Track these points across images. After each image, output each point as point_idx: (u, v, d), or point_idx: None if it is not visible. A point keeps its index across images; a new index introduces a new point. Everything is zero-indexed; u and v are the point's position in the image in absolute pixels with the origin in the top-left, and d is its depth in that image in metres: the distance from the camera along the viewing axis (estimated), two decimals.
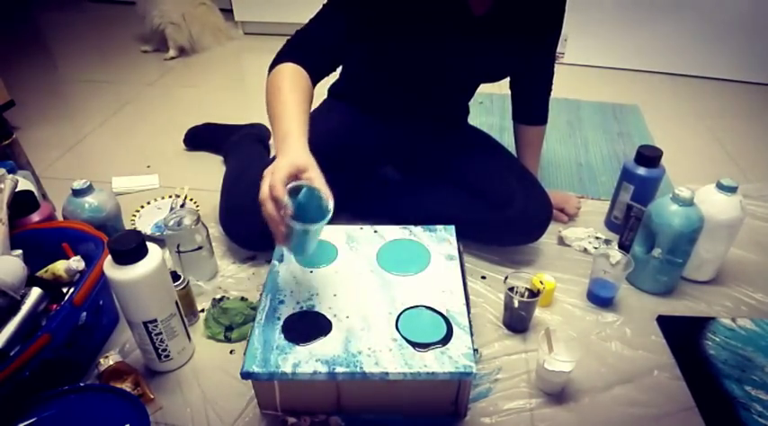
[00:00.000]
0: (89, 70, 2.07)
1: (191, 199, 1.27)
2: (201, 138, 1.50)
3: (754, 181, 1.41)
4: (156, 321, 0.79)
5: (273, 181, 0.68)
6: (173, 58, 2.13)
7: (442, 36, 0.95)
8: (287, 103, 0.80)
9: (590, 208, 1.28)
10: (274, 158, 1.26)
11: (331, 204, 0.71)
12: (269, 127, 1.49)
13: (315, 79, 0.88)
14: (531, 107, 1.19)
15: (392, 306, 0.81)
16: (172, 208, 1.23)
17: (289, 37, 0.92)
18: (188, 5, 2.12)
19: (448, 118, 1.21)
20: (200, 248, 1.00)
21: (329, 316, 0.79)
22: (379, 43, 0.96)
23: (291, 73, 0.85)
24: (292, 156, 0.72)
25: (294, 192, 0.70)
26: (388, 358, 0.72)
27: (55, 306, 0.83)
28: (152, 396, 0.81)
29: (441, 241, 0.94)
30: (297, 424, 0.78)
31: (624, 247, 1.13)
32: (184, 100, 1.84)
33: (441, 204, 1.12)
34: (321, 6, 0.92)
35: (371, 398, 0.78)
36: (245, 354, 0.73)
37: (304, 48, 0.89)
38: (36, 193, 1.01)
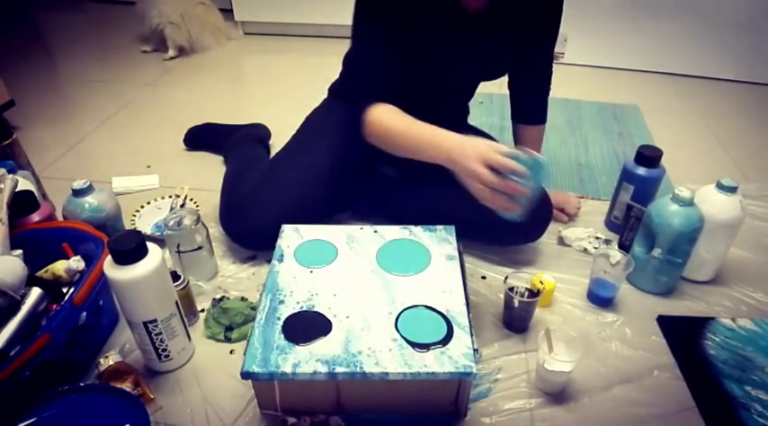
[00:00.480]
0: (89, 70, 2.07)
1: (191, 199, 1.27)
2: (201, 138, 1.50)
3: (754, 182, 1.41)
4: (156, 321, 0.79)
5: (490, 160, 0.78)
6: (172, 58, 2.13)
7: (436, 35, 0.95)
8: (412, 125, 0.91)
9: (590, 208, 1.28)
10: (276, 157, 1.26)
11: (538, 155, 0.80)
12: (269, 127, 1.50)
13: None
14: (530, 106, 1.18)
15: (392, 306, 0.81)
16: (172, 208, 1.23)
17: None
18: (186, 5, 2.12)
19: (447, 118, 1.20)
20: (200, 248, 1.00)
21: (329, 316, 0.79)
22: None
23: (389, 110, 0.94)
24: (471, 141, 0.83)
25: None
26: (388, 358, 0.72)
27: (55, 306, 0.83)
28: (152, 396, 0.81)
29: (441, 241, 0.94)
30: (297, 424, 0.78)
31: (624, 247, 1.13)
32: (184, 100, 1.84)
33: (441, 204, 1.12)
34: (354, 41, 0.97)
35: (371, 398, 0.78)
36: (245, 354, 0.73)
37: (377, 86, 0.96)
38: (36, 193, 1.01)
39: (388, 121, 0.93)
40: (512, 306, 0.93)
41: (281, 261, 0.90)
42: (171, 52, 2.12)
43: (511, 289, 0.92)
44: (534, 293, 0.93)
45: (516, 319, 0.95)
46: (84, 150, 1.53)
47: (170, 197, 1.28)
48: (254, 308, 0.94)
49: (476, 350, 0.74)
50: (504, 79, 1.14)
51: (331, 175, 1.12)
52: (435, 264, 0.89)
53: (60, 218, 1.05)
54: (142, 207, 1.24)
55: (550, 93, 1.16)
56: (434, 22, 0.94)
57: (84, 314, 0.80)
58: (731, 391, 0.85)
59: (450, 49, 0.98)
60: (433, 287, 0.84)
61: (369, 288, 0.84)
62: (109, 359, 0.83)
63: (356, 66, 0.97)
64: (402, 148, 0.94)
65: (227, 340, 0.92)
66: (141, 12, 2.08)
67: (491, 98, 1.80)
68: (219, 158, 1.45)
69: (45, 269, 0.87)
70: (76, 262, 0.88)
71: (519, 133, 1.22)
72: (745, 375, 0.88)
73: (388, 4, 0.91)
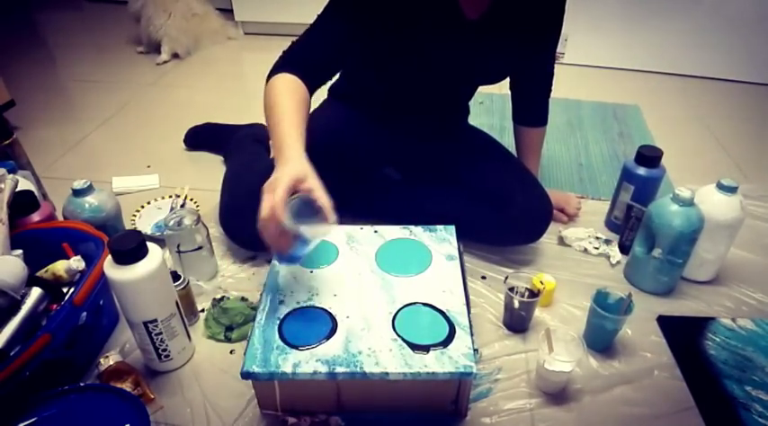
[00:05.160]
0: (89, 70, 2.07)
1: (191, 199, 1.27)
2: (202, 138, 1.50)
3: (754, 182, 1.41)
4: (156, 321, 0.79)
5: (275, 202, 0.68)
6: (165, 62, 2.11)
7: (435, 41, 0.95)
8: (283, 113, 0.80)
9: (590, 208, 1.28)
10: (273, 160, 1.25)
11: (330, 215, 0.71)
12: None
13: (311, 89, 0.88)
14: (531, 109, 1.18)
15: (392, 305, 0.81)
16: (172, 208, 1.23)
17: (291, 38, 0.92)
18: (181, 20, 2.11)
19: (448, 118, 1.21)
20: (200, 248, 1.00)
21: None
22: (374, 48, 0.96)
23: (287, 83, 0.85)
24: (289, 167, 0.73)
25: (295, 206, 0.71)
26: (388, 358, 0.72)
27: (55, 306, 0.83)
28: (152, 396, 0.81)
29: (441, 241, 0.94)
30: (297, 424, 0.78)
31: (624, 247, 1.13)
32: (185, 100, 1.84)
33: (441, 204, 1.12)
34: (316, 17, 0.92)
35: (371, 398, 0.79)
36: (245, 354, 0.73)
37: (300, 60, 0.89)
38: (36, 193, 1.01)
39: (276, 94, 0.83)
40: (512, 306, 0.93)
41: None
42: (164, 56, 2.11)
43: (511, 289, 0.92)
44: (534, 293, 0.93)
45: (516, 319, 0.95)
46: (84, 150, 1.53)
47: (170, 197, 1.28)
48: (254, 308, 0.94)
49: (476, 350, 0.74)
50: (505, 80, 1.14)
51: (331, 175, 1.12)
52: (435, 264, 0.89)
53: (60, 218, 1.05)
54: (142, 207, 1.24)
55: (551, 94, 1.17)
56: (433, 28, 0.93)
57: (84, 314, 0.80)
58: (731, 391, 0.85)
59: (448, 56, 0.97)
60: (433, 287, 0.84)
61: (369, 288, 0.84)
62: (109, 359, 0.83)
63: (294, 44, 0.90)
64: (267, 123, 0.83)
65: (227, 340, 0.92)
66: (134, 13, 2.08)
67: (491, 98, 1.81)
68: (219, 158, 1.45)
69: (45, 269, 0.87)
70: (76, 262, 0.88)
71: (520, 135, 1.22)
72: (745, 375, 0.88)
73: (387, 8, 0.90)
